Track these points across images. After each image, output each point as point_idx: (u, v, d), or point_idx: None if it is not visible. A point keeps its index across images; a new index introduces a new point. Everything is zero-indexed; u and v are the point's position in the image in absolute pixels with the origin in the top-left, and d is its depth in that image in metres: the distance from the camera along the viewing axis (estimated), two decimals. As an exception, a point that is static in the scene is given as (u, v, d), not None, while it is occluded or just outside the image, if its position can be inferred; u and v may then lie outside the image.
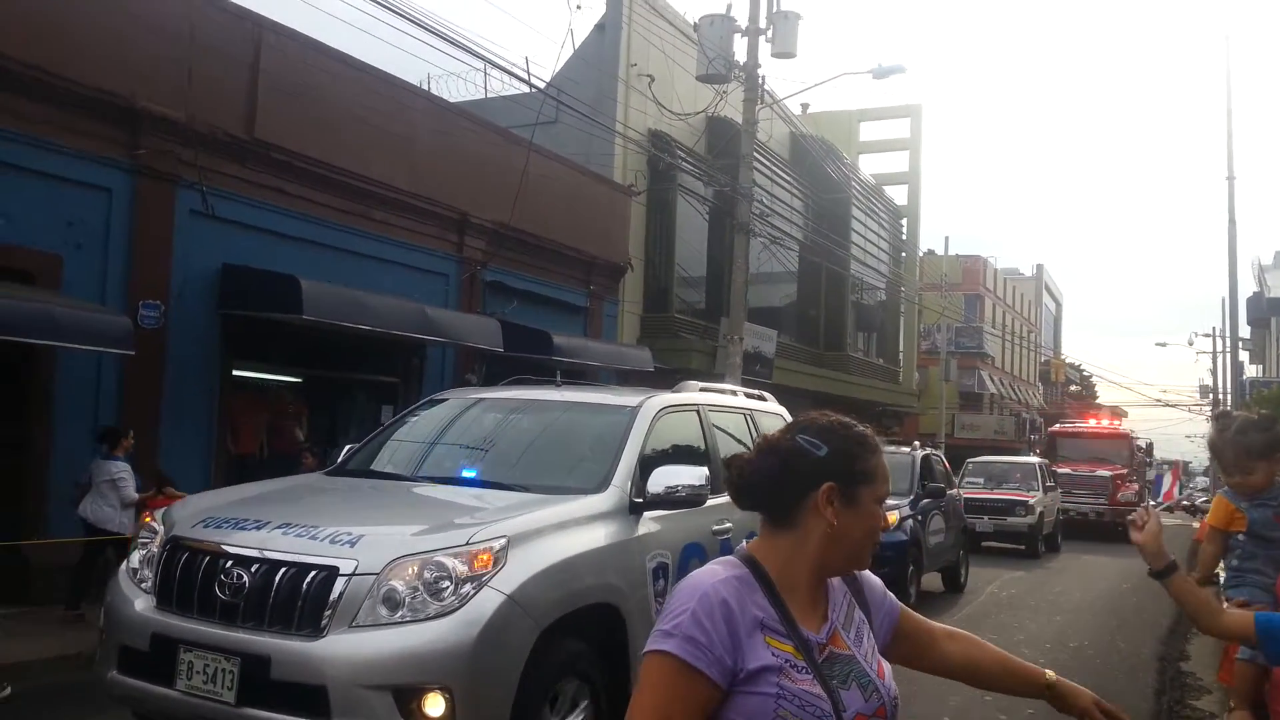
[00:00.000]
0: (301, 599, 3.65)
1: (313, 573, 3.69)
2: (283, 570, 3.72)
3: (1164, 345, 47.51)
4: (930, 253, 40.09)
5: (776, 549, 1.75)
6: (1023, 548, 17.78)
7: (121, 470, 8.39)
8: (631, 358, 15.94)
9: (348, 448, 5.56)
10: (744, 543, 1.81)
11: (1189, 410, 48.93)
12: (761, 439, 1.85)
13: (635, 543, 4.64)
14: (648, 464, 4.91)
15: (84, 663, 5.59)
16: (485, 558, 3.82)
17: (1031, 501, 18.02)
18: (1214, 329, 38.42)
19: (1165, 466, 35.00)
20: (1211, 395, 40.89)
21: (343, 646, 3.57)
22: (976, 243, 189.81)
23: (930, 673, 2.06)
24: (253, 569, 3.74)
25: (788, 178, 23.41)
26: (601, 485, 4.69)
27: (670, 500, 4.77)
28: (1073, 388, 63.91)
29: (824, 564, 1.75)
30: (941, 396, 34.26)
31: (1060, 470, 22.77)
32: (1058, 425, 29.38)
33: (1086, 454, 24.48)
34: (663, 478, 4.77)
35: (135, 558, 4.13)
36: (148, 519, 4.23)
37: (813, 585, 1.75)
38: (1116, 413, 38.71)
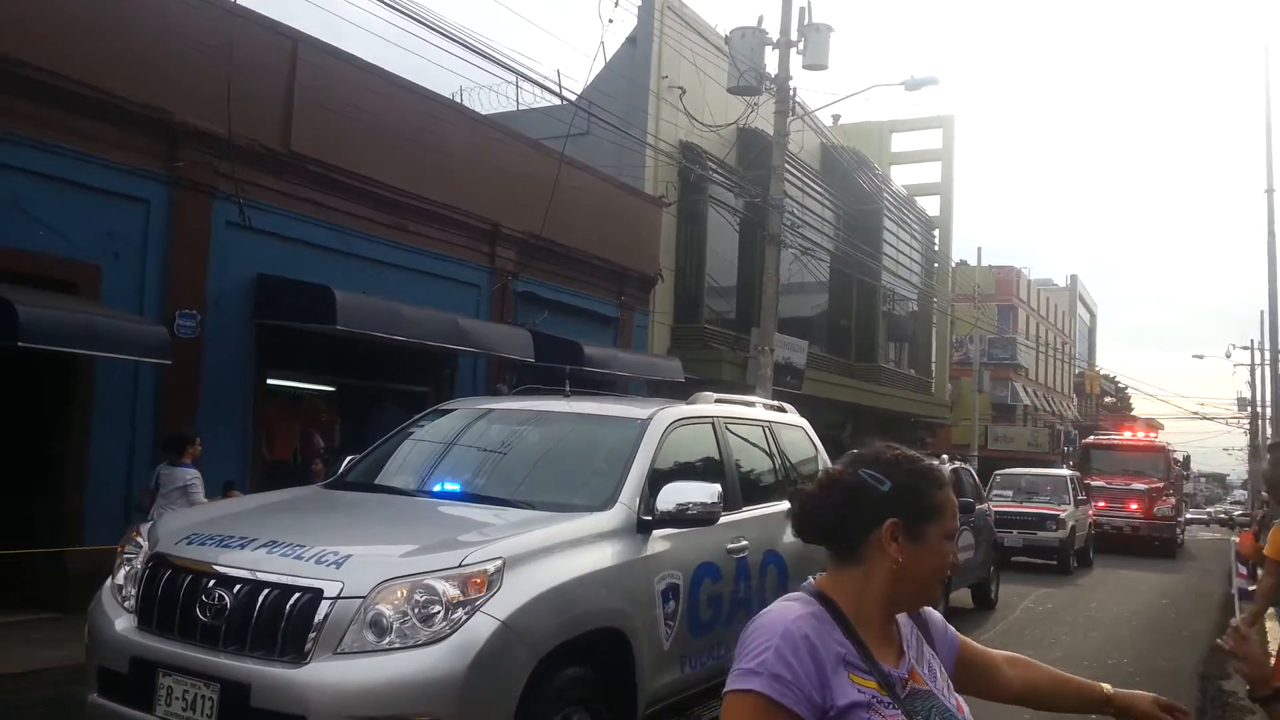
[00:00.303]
0: (284, 623, 3.37)
1: (296, 595, 3.41)
2: (266, 591, 3.44)
3: (1201, 357, 46.39)
4: (963, 263, 39.30)
5: (845, 584, 1.69)
6: (1054, 563, 17.04)
7: (192, 476, 8.21)
8: (662, 368, 15.64)
9: (348, 459, 5.30)
10: (811, 578, 1.74)
11: (1226, 423, 47.58)
12: (824, 472, 1.78)
13: (643, 563, 4.32)
14: (658, 480, 4.58)
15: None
16: (479, 581, 3.53)
17: (1063, 515, 17.24)
18: (1252, 341, 37.30)
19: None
20: (1250, 408, 39.66)
21: (326, 674, 3.28)
22: (1010, 253, 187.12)
23: (993, 700, 2.01)
24: (235, 590, 3.47)
25: (819, 189, 22.97)
26: (608, 502, 4.37)
27: (681, 519, 4.44)
28: (1108, 399, 62.42)
29: (893, 600, 1.69)
30: (974, 408, 33.46)
31: (1094, 483, 22.02)
32: (1092, 437, 28.53)
33: (1122, 467, 23.69)
34: (673, 495, 4.44)
35: (120, 574, 3.88)
36: (135, 534, 3.98)
37: (884, 621, 1.70)
38: (1152, 425, 37.66)
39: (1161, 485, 22.80)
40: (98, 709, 3.58)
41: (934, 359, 32.15)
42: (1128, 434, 27.46)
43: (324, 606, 3.38)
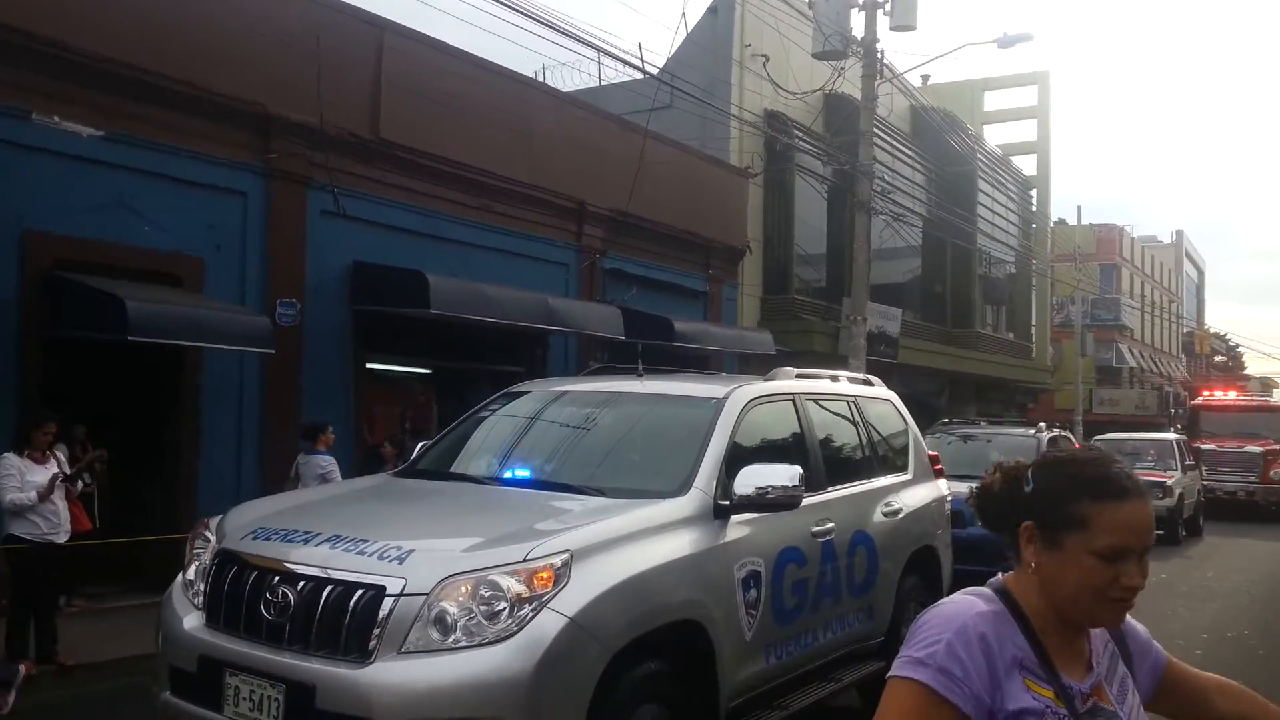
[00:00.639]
0: (348, 621, 3.20)
1: (359, 592, 3.23)
2: (329, 589, 3.27)
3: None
4: (1061, 222, 37.35)
5: (1018, 584, 1.60)
6: (1160, 533, 15.92)
7: (327, 463, 8.46)
8: (753, 341, 15.23)
9: (420, 445, 5.13)
10: (1000, 574, 1.64)
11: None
12: (999, 464, 1.70)
13: (721, 550, 4.02)
14: (736, 462, 4.26)
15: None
16: (545, 576, 3.29)
17: (1169, 482, 15.92)
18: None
19: None
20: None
21: (390, 675, 3.09)
22: (1112, 211, 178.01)
23: None
24: (299, 587, 3.31)
25: (909, 152, 21.97)
26: (683, 488, 4.07)
27: (760, 503, 4.12)
28: (1218, 359, 58.85)
29: (1056, 610, 1.56)
30: (1077, 371, 31.74)
31: (1204, 447, 20.56)
32: (1201, 398, 26.76)
33: (1233, 429, 22.09)
34: (752, 478, 4.12)
35: (191, 569, 3.79)
36: (204, 528, 3.88)
37: (1062, 628, 1.56)
38: (1267, 384, 35.26)
39: (1277, 447, 21.16)
40: (169, 707, 3.49)
41: (1034, 322, 30.66)
42: (1233, 394, 25.55)
43: (387, 604, 3.20)
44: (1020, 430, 11.75)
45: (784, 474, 4.14)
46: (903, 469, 5.97)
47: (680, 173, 14.77)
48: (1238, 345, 58.78)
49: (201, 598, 3.58)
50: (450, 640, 3.17)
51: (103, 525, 7.71)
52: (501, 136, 12.00)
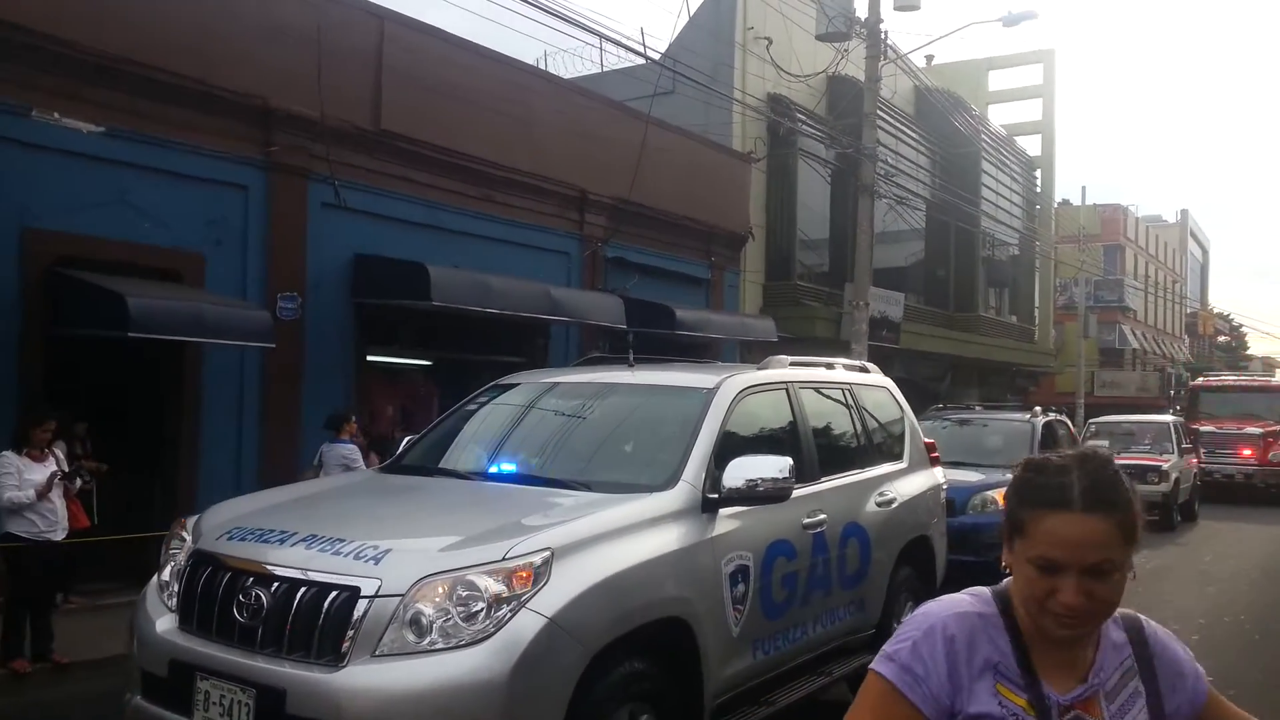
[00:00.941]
0: (320, 623, 3.08)
1: (334, 593, 3.09)
2: (303, 590, 3.14)
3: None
4: (1065, 203, 36.88)
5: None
6: (1155, 517, 15.51)
7: (352, 452, 8.43)
8: (755, 328, 15.04)
9: (406, 439, 4.99)
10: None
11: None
12: (1028, 459, 1.58)
13: (708, 545, 3.87)
14: (726, 453, 4.11)
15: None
16: (524, 575, 3.15)
17: (1165, 466, 15.42)
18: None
19: None
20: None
21: (362, 679, 2.97)
22: (1116, 191, 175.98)
23: None
24: (273, 588, 3.18)
25: (913, 134, 21.64)
26: (669, 481, 3.92)
27: (750, 496, 3.97)
28: (1221, 339, 58.24)
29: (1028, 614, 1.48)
30: (1080, 354, 31.30)
31: (1203, 428, 20.12)
32: (1200, 379, 26.34)
33: (1233, 409, 21.65)
34: (741, 470, 3.97)
35: (166, 570, 3.66)
36: (180, 527, 3.75)
37: (1059, 635, 1.45)
38: (1269, 364, 34.82)
39: (1277, 428, 20.75)
40: (139, 712, 3.37)
41: (1037, 305, 30.22)
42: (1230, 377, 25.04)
43: (361, 606, 3.07)
44: (1015, 415, 11.50)
45: (773, 466, 4.00)
46: (898, 457, 5.81)
47: (682, 159, 14.56)
48: (1240, 325, 58.20)
49: (175, 599, 3.46)
50: (425, 642, 3.04)
51: (102, 521, 7.64)
52: (503, 125, 11.83)
